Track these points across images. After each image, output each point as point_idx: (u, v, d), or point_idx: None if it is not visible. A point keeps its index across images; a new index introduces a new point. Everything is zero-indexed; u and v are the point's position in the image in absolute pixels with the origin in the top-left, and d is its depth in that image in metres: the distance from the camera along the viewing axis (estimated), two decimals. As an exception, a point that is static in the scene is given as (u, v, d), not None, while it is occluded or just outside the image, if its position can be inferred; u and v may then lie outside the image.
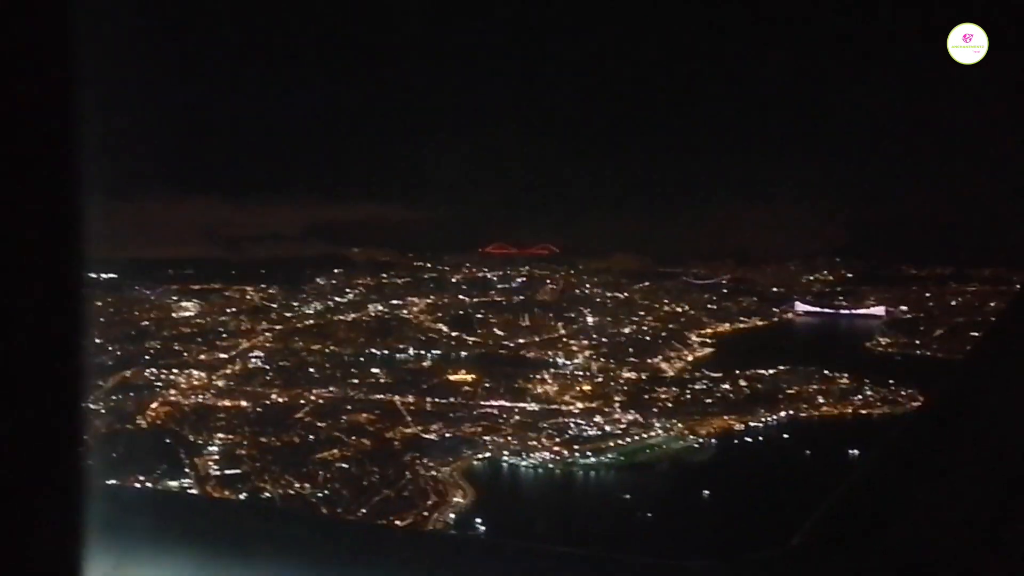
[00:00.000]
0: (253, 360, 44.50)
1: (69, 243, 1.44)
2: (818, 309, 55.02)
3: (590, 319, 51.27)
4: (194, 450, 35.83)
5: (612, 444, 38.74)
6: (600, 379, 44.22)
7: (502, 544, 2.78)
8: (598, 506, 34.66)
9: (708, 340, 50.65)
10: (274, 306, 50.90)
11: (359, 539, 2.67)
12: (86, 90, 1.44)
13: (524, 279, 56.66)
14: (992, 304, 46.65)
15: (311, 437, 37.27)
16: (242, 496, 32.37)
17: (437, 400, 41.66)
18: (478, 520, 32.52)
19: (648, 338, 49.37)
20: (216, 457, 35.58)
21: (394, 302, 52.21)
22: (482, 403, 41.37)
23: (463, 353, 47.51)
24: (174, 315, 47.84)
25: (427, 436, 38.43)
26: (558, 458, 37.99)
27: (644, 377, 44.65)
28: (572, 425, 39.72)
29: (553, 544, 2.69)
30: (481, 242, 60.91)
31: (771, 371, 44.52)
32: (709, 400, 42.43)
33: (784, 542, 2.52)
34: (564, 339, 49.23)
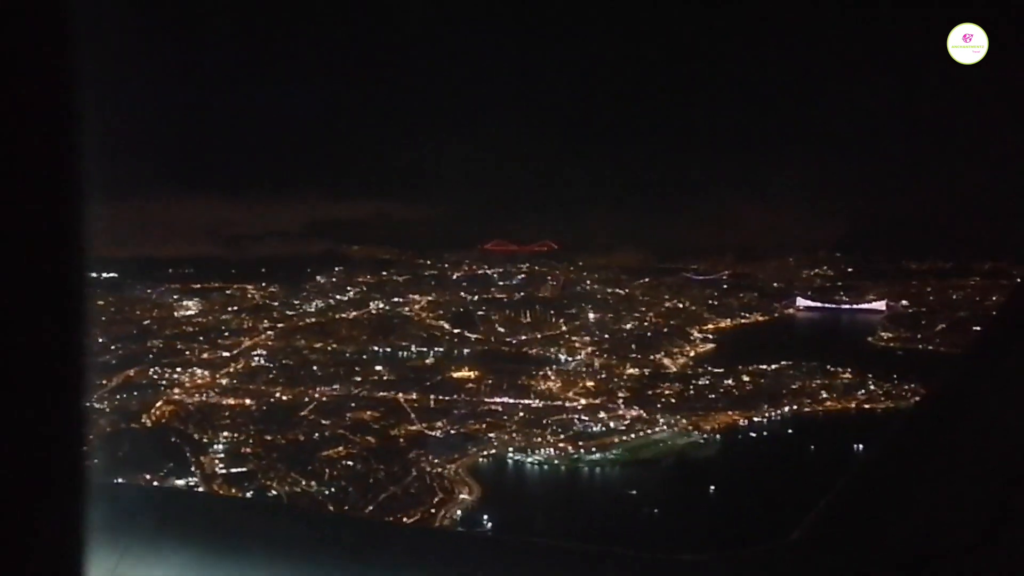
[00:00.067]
0: (256, 358, 44.54)
1: (69, 243, 1.43)
2: (819, 304, 54.99)
3: (591, 315, 51.28)
4: (200, 448, 35.84)
5: (617, 440, 38.74)
6: (603, 375, 44.23)
7: (507, 541, 2.78)
8: (604, 502, 34.63)
9: (710, 336, 50.67)
10: (275, 304, 50.91)
11: (363, 536, 2.67)
12: (86, 90, 1.44)
13: (525, 276, 56.72)
14: (993, 298, 46.61)
15: (316, 435, 37.27)
16: (249, 494, 32.35)
17: (441, 397, 41.70)
18: (485, 517, 32.51)
19: (650, 334, 49.37)
20: (222, 455, 35.59)
21: (395, 300, 52.23)
22: (486, 400, 41.41)
23: (465, 350, 47.54)
24: (176, 314, 47.88)
25: (432, 433, 38.46)
26: (563, 454, 38.02)
27: (647, 373, 44.67)
28: (576, 421, 39.73)
29: (558, 540, 2.68)
30: (482, 239, 61.09)
31: (774, 366, 44.53)
32: (712, 396, 42.43)
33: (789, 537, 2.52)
34: (566, 335, 49.26)
